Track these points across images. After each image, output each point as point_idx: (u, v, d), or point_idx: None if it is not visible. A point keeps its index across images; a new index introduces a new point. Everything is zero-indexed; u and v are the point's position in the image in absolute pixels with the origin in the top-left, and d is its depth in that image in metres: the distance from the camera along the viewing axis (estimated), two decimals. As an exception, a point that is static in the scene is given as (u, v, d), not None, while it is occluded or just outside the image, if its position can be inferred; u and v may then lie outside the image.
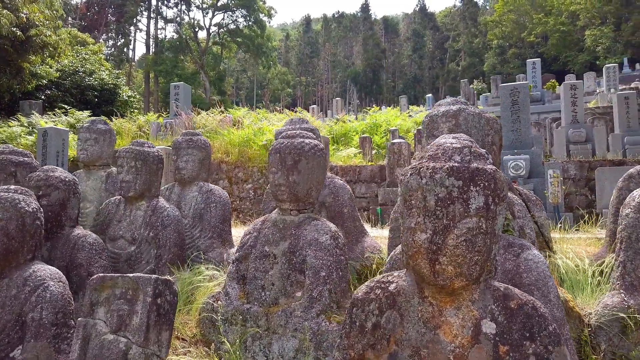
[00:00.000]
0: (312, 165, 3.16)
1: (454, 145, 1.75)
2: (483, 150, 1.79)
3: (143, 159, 3.96)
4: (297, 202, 3.19)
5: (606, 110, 13.79)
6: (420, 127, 11.50)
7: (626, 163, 8.20)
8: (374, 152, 11.62)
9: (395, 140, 8.92)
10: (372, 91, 65.54)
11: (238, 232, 5.56)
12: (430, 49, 70.89)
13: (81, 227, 3.67)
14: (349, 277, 3.11)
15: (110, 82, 20.57)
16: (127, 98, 21.67)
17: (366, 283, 1.96)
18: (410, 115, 15.43)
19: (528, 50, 57.83)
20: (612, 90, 15.38)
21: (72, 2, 45.92)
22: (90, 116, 13.92)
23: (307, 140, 3.21)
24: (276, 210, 3.35)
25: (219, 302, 3.22)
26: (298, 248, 3.07)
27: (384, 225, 6.44)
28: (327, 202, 3.92)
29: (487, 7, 78.81)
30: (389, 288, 1.85)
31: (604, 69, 16.54)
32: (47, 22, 14.46)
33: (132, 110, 20.25)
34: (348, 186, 4.12)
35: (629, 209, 2.58)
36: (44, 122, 12.52)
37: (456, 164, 1.66)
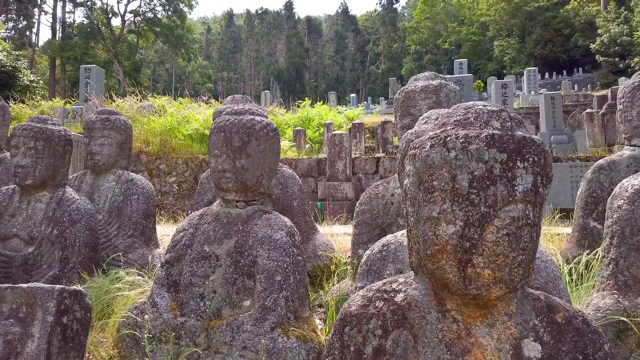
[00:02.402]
0: (264, 148, 2.64)
1: (488, 107, 1.33)
2: (519, 116, 1.39)
3: (45, 139, 3.19)
4: (246, 192, 2.65)
5: (529, 110, 14.55)
6: (355, 122, 11.27)
7: (560, 160, 8.50)
8: (307, 145, 11.20)
9: (336, 132, 8.52)
10: (296, 90, 65.33)
11: (160, 232, 4.87)
12: (352, 51, 72.18)
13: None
14: (307, 281, 2.63)
15: (8, 65, 18.33)
16: (28, 83, 19.47)
17: (360, 293, 1.49)
18: (339, 112, 15.24)
19: (443, 57, 60.77)
20: (532, 92, 16.29)
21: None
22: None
23: (258, 118, 2.68)
24: (218, 202, 2.79)
25: (144, 315, 2.59)
26: (247, 247, 2.54)
27: (323, 222, 6.03)
28: (275, 193, 3.40)
29: (406, 14, 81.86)
30: (396, 299, 1.39)
31: (525, 72, 17.51)
32: None
33: (34, 96, 18.21)
34: (297, 176, 3.63)
35: (622, 201, 2.35)
36: None
37: (497, 132, 1.24)
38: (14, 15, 49.46)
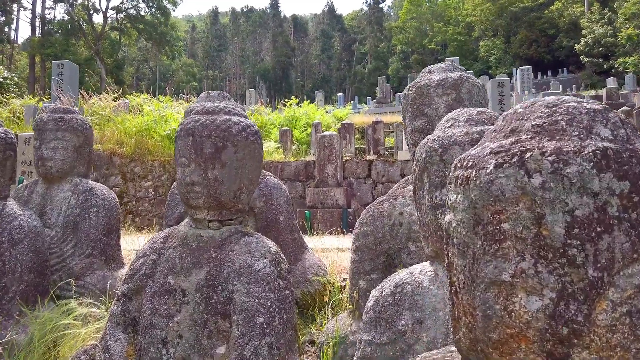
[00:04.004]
0: (242, 155, 2.15)
1: (586, 105, 0.85)
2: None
3: (-21, 143, 2.66)
4: (220, 210, 2.15)
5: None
6: (345, 122, 10.78)
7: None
8: (294, 147, 10.67)
9: (326, 133, 7.96)
10: (282, 89, 64.70)
11: (131, 245, 4.34)
12: (338, 51, 71.80)
13: None
14: (295, 321, 2.14)
15: (-21, 60, 17.49)
16: (2, 80, 18.65)
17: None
18: (327, 112, 14.74)
19: (429, 57, 60.76)
20: (526, 92, 15.91)
21: None
22: (-54, 96, 11.42)
23: (235, 119, 2.18)
24: (186, 221, 2.28)
25: (95, 362, 2.09)
26: (220, 279, 2.04)
27: (313, 233, 5.53)
28: (257, 207, 2.90)
29: (392, 14, 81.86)
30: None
31: (518, 71, 17.17)
32: None
33: (8, 94, 17.38)
34: (284, 186, 3.12)
35: None
36: None
37: (609, 145, 0.77)
38: (-9, 11, 48.08)
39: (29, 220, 2.77)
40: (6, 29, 48.81)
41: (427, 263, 1.63)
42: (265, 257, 2.06)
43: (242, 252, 2.08)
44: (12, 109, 11.97)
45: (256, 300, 1.96)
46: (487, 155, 0.84)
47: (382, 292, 1.60)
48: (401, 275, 1.62)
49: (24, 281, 2.66)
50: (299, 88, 67.99)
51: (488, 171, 0.82)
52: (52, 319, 2.53)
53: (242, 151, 2.15)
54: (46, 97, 14.00)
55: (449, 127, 1.55)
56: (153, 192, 8.14)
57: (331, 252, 3.76)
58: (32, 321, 2.51)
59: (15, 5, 47.52)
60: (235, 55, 70.84)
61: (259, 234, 2.26)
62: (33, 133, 3.50)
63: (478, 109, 1.57)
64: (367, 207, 2.22)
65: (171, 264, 2.14)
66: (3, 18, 48.08)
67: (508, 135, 0.87)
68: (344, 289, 2.87)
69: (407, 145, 2.17)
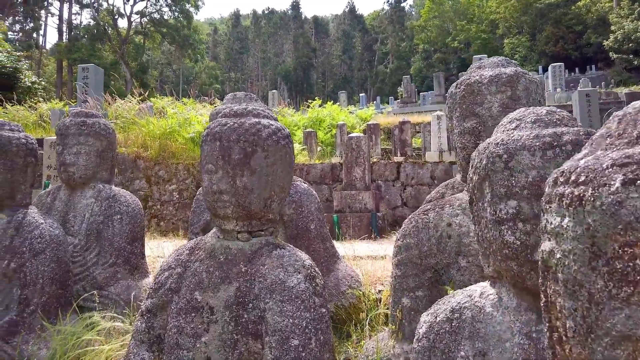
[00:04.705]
0: (273, 161, 1.98)
1: None
2: None
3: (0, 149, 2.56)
4: (249, 220, 1.99)
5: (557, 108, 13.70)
6: (370, 123, 10.57)
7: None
8: (319, 148, 10.48)
9: (353, 135, 7.73)
10: (303, 90, 64.71)
11: (156, 251, 4.22)
12: (359, 51, 71.50)
13: None
14: (333, 342, 1.96)
15: (9, 66, 17.86)
16: (30, 84, 19.01)
17: None
18: (351, 112, 14.52)
19: (452, 55, 60.00)
20: (558, 89, 15.41)
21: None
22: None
23: (265, 121, 2.01)
24: (213, 231, 2.13)
25: (117, 383, 1.95)
26: (251, 297, 1.87)
27: (341, 238, 5.34)
28: (287, 214, 2.73)
29: (414, 13, 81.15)
30: None
31: (549, 67, 16.63)
32: None
33: (36, 98, 17.70)
34: (314, 192, 2.95)
35: None
36: None
37: None
38: (20, 17, 49.38)
39: (51, 229, 2.67)
40: (34, 35, 50.10)
41: (487, 284, 1.44)
42: (300, 272, 1.89)
43: (274, 267, 1.91)
44: (39, 113, 12.13)
45: (290, 320, 1.79)
46: (608, 169, 0.65)
47: (436, 318, 1.41)
48: (457, 298, 1.43)
49: (46, 293, 2.55)
50: (320, 89, 67.90)
51: (613, 190, 0.63)
52: (74, 334, 2.41)
53: (273, 156, 1.98)
54: (72, 100, 14.16)
55: (514, 129, 1.36)
56: (177, 196, 8.07)
57: (363, 260, 3.57)
58: (54, 336, 2.40)
59: (43, 12, 48.72)
60: (256, 57, 71.19)
61: (291, 245, 2.10)
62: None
63: (546, 107, 1.37)
64: (410, 216, 2.03)
65: (198, 278, 1.99)
66: (32, 24, 49.29)
67: (635, 142, 0.67)
68: (380, 302, 2.68)
69: (455, 148, 1.98)
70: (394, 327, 1.93)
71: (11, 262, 2.53)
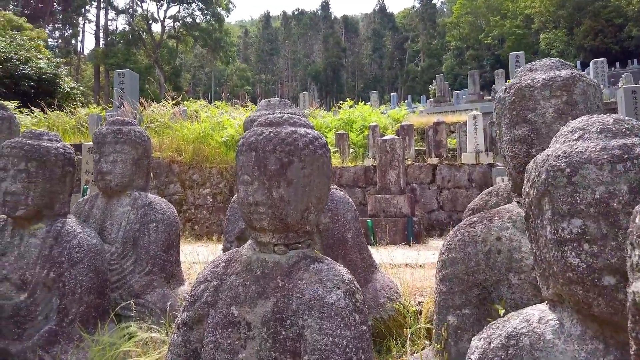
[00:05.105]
0: (310, 171, 1.91)
1: None
2: None
3: (39, 159, 2.58)
4: (286, 232, 1.93)
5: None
6: (404, 123, 10.40)
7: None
8: (351, 150, 10.38)
9: (387, 137, 7.59)
10: (333, 90, 64.68)
11: (191, 257, 4.23)
12: (389, 49, 70.94)
13: None
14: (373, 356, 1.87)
15: (49, 72, 18.47)
16: (69, 90, 19.61)
17: None
18: (382, 112, 14.35)
19: (485, 52, 58.81)
20: (601, 86, 14.87)
21: (11, -13, 42.61)
22: (20, 107, 12.05)
23: (301, 130, 1.95)
24: (249, 243, 2.08)
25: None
26: (289, 313, 1.81)
27: (377, 244, 5.23)
28: (322, 223, 2.66)
29: (445, 9, 79.99)
30: None
31: (591, 63, 15.99)
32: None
33: (75, 103, 18.26)
34: (350, 199, 2.87)
35: None
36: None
37: None
38: (60, 25, 51.25)
39: (88, 238, 2.68)
40: (73, 41, 51.87)
41: (546, 308, 1.32)
42: (339, 288, 1.81)
43: (313, 282, 1.84)
44: (78, 118, 12.47)
45: (330, 338, 1.71)
46: None
47: (489, 344, 1.30)
48: (513, 322, 1.32)
49: (84, 302, 2.56)
50: (350, 89, 67.73)
51: None
52: (112, 344, 2.41)
53: (310, 167, 1.91)
54: (109, 105, 14.53)
55: (577, 139, 1.24)
56: (211, 200, 8.13)
57: (400, 268, 3.46)
58: (92, 346, 2.40)
59: (80, 19, 50.39)
60: (286, 58, 71.64)
61: (329, 258, 2.02)
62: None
63: (613, 115, 1.25)
64: (455, 229, 1.92)
65: (234, 292, 1.94)
66: (70, 31, 51.04)
67: None
68: (420, 315, 2.58)
69: (504, 157, 1.86)
70: (438, 346, 1.83)
71: (50, 272, 2.55)
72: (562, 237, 1.18)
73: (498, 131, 1.87)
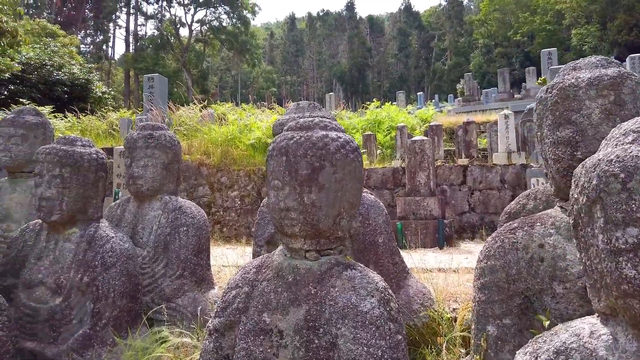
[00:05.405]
0: (342, 176, 1.86)
1: None
2: None
3: (73, 164, 2.62)
4: (318, 238, 1.89)
5: None
6: (432, 124, 10.25)
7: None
8: (378, 151, 10.29)
9: (416, 138, 7.44)
10: (359, 90, 64.48)
11: (220, 260, 4.24)
12: (415, 48, 70.28)
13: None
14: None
15: (81, 77, 18.98)
16: (101, 94, 20.10)
17: None
18: (409, 112, 14.18)
19: (514, 49, 57.61)
20: (638, 83, 14.27)
21: (46, -4, 44.05)
22: (54, 112, 12.39)
23: (332, 134, 1.90)
24: (280, 249, 2.05)
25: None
26: (322, 321, 1.77)
27: (407, 247, 5.15)
28: (353, 227, 2.62)
29: (472, 7, 78.79)
30: None
31: (627, 59, 15.45)
32: (5, 7, 12.85)
33: (107, 108, 18.71)
34: (382, 204, 2.81)
35: None
36: (-1, 119, 10.96)
37: None
38: (91, 31, 52.68)
39: (121, 242, 2.70)
40: (104, 47, 53.20)
41: (597, 321, 1.25)
42: (373, 296, 1.76)
43: (346, 289, 1.80)
44: (109, 122, 12.76)
45: (365, 348, 1.67)
46: None
47: (536, 359, 1.23)
48: (562, 336, 1.25)
49: (117, 306, 2.59)
50: (375, 89, 67.38)
51: None
52: (145, 349, 2.42)
53: (342, 171, 1.87)
54: (139, 109, 14.82)
55: (631, 142, 1.16)
56: (239, 202, 8.17)
57: (433, 273, 3.39)
58: (125, 351, 2.41)
59: (111, 25, 51.67)
60: (312, 59, 71.77)
61: (362, 265, 1.97)
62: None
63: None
64: (494, 235, 1.84)
65: (266, 299, 1.91)
66: (101, 37, 52.38)
67: None
68: (455, 322, 2.50)
69: (546, 160, 1.77)
70: (477, 357, 1.76)
71: (84, 276, 2.58)
72: (617, 247, 1.10)
73: (539, 133, 1.79)
